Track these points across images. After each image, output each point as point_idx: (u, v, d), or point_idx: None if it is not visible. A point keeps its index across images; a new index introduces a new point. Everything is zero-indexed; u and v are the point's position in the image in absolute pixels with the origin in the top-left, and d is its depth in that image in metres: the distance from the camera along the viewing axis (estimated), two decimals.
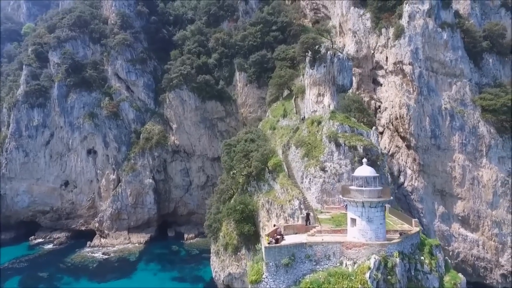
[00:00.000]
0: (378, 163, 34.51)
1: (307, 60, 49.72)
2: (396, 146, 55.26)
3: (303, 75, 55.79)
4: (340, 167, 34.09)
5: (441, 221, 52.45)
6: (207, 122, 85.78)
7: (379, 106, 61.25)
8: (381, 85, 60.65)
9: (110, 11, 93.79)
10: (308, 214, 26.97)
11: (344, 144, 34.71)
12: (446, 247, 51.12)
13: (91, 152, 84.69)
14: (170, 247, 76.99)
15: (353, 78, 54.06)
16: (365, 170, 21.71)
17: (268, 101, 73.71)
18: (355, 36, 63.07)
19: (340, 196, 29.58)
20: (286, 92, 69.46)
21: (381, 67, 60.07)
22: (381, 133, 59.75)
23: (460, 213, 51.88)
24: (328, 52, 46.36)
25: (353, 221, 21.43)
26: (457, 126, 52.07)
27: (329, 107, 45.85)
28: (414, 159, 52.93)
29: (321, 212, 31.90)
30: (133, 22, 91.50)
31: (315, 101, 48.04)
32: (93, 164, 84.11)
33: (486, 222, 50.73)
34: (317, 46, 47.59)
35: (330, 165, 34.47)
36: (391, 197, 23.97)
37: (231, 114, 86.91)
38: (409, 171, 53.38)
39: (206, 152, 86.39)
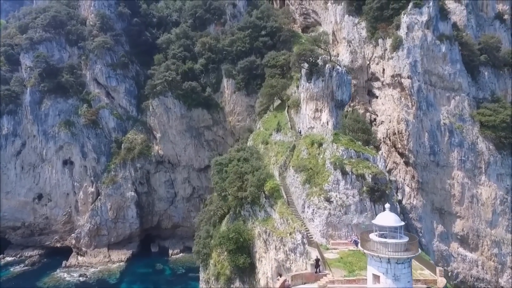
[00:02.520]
0: (387, 192, 31.87)
1: (303, 73, 46.78)
2: (394, 162, 53.13)
3: (298, 86, 52.81)
4: (347, 197, 31.21)
5: (440, 240, 50.66)
6: (193, 131, 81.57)
7: (375, 119, 59.07)
8: (376, 97, 58.48)
9: (88, 11, 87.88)
10: (317, 260, 23.90)
11: (351, 172, 31.85)
12: (445, 268, 49.35)
13: (67, 163, 78.79)
14: (154, 265, 72.35)
15: None
16: (389, 219, 18.81)
17: (259, 111, 70.46)
18: (349, 46, 60.66)
19: (354, 236, 26.69)
20: (277, 102, 66.47)
21: (377, 79, 57.88)
22: (377, 147, 57.61)
23: (459, 232, 50.27)
24: (327, 65, 43.52)
25: (376, 278, 18.53)
26: (456, 142, 50.43)
27: (327, 124, 43.06)
28: (413, 176, 50.91)
29: (327, 249, 28.91)
30: (113, 24, 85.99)
31: (312, 116, 45.16)
32: (70, 176, 78.24)
33: (485, 242, 49.31)
34: (314, 59, 44.56)
35: (336, 195, 31.54)
36: (420, 251, 21.20)
37: (219, 122, 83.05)
38: (407, 189, 51.31)
39: (192, 162, 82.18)
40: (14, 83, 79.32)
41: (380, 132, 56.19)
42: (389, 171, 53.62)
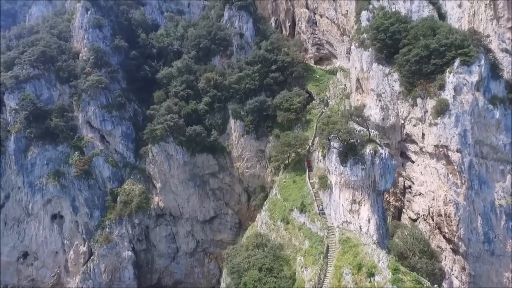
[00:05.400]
0: None
1: (334, 152, 38.68)
2: (438, 246, 45.09)
3: (324, 156, 44.43)
4: None
5: None
6: (197, 179, 73.31)
7: (410, 186, 51.13)
8: (412, 161, 50.51)
9: (81, 44, 79.60)
10: None
11: None
12: None
13: (56, 217, 70.35)
14: None
15: None
16: None
17: (273, 167, 62.44)
18: (380, 100, 52.70)
19: None
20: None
21: (413, 141, 49.92)
22: (414, 220, 49.65)
23: None
24: (368, 150, 35.48)
25: None
26: None
27: (368, 222, 34.98)
28: (463, 268, 42.93)
29: None
30: (109, 59, 77.61)
31: (348, 208, 37.14)
32: (59, 233, 69.77)
33: None
34: (352, 140, 36.51)
35: None
36: None
37: (225, 168, 74.86)
38: (456, 282, 43.30)
39: (196, 214, 73.87)
40: None
41: (418, 205, 48.28)
42: None
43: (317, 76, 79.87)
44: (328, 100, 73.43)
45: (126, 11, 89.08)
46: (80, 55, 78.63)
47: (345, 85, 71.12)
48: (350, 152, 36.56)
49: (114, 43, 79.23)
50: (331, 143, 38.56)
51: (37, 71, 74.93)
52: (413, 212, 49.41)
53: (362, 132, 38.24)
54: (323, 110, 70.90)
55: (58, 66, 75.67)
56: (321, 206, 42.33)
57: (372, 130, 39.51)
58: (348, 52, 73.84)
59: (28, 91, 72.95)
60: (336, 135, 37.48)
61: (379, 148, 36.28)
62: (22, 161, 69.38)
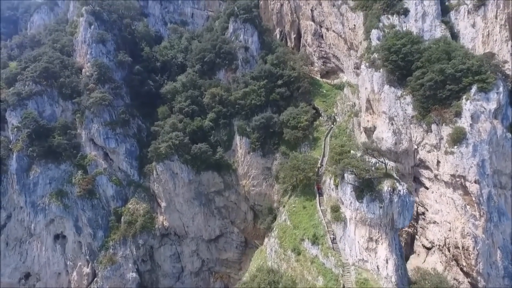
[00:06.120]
0: None
1: (348, 187, 37.24)
2: (455, 279, 43.60)
3: (337, 185, 43.03)
4: None
5: None
6: (202, 197, 71.89)
7: (423, 213, 49.66)
8: (426, 187, 49.04)
9: (84, 58, 78.33)
10: None
11: None
12: None
13: (59, 237, 68.97)
14: None
15: None
16: None
17: (281, 190, 61.05)
18: (392, 124, 51.24)
19: None
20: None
21: (427, 167, 48.46)
22: (428, 248, 48.16)
23: None
24: (386, 187, 34.06)
25: None
26: None
27: (386, 262, 33.58)
28: None
29: None
30: (112, 74, 76.35)
31: (364, 246, 35.73)
32: (62, 253, 68.39)
33: None
34: (369, 176, 35.08)
35: None
36: None
37: (231, 186, 73.43)
38: None
39: (201, 233, 72.44)
40: None
41: (433, 233, 46.79)
42: None
43: (324, 91, 78.55)
44: (336, 117, 72.16)
45: (129, 24, 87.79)
46: (83, 70, 77.33)
47: (353, 102, 69.81)
48: (366, 188, 35.15)
49: (117, 58, 77.94)
50: (346, 177, 37.10)
51: (39, 87, 73.62)
52: (427, 240, 47.91)
53: (377, 164, 36.77)
54: (332, 126, 69.73)
55: (61, 82, 74.35)
56: (332, 235, 40.98)
57: (389, 163, 38.05)
58: (356, 67, 72.62)
59: (31, 108, 71.67)
60: (351, 171, 36.02)
61: (397, 184, 34.86)
62: (24, 180, 68.01)
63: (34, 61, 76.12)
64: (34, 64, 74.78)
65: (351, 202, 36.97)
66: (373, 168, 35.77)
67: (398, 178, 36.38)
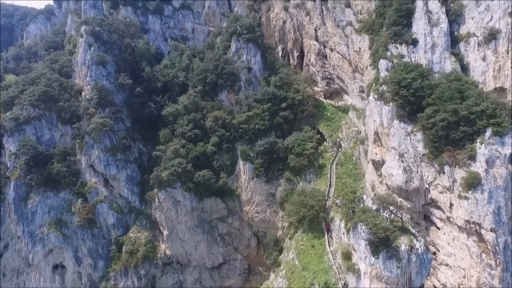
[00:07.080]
0: None
1: (362, 244, 35.99)
2: None
3: (348, 230, 41.82)
4: None
5: None
6: (205, 225, 70.45)
7: (434, 253, 48.57)
8: (438, 228, 48.01)
9: (84, 81, 76.44)
10: None
11: None
12: None
13: (57, 267, 67.19)
14: None
15: None
16: None
17: (287, 223, 59.80)
18: (402, 161, 50.12)
19: None
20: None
21: (438, 207, 47.45)
22: None
23: None
24: (404, 246, 32.94)
25: None
26: None
27: None
28: None
29: None
30: (113, 98, 74.56)
31: None
32: (61, 284, 66.60)
33: None
34: (386, 234, 33.88)
35: None
36: None
37: (234, 212, 72.08)
38: None
39: (204, 261, 70.99)
40: None
41: (445, 276, 45.72)
42: None
43: (329, 114, 77.39)
44: (341, 142, 71.04)
45: (130, 43, 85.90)
46: (83, 93, 75.49)
47: (359, 129, 68.75)
48: (382, 245, 34.00)
49: (118, 81, 76.09)
50: (359, 227, 35.92)
51: (37, 112, 71.69)
52: (439, 281, 46.86)
53: (392, 216, 35.60)
54: (337, 151, 68.62)
55: (60, 106, 72.47)
56: (344, 283, 39.81)
57: (405, 216, 36.88)
58: (361, 90, 71.54)
59: (29, 133, 69.78)
60: (367, 228, 34.83)
61: (415, 241, 33.80)
62: (22, 209, 66.13)
63: (32, 84, 74.13)
64: (32, 88, 72.81)
65: (366, 256, 35.84)
66: (389, 225, 34.58)
67: (414, 232, 35.21)
